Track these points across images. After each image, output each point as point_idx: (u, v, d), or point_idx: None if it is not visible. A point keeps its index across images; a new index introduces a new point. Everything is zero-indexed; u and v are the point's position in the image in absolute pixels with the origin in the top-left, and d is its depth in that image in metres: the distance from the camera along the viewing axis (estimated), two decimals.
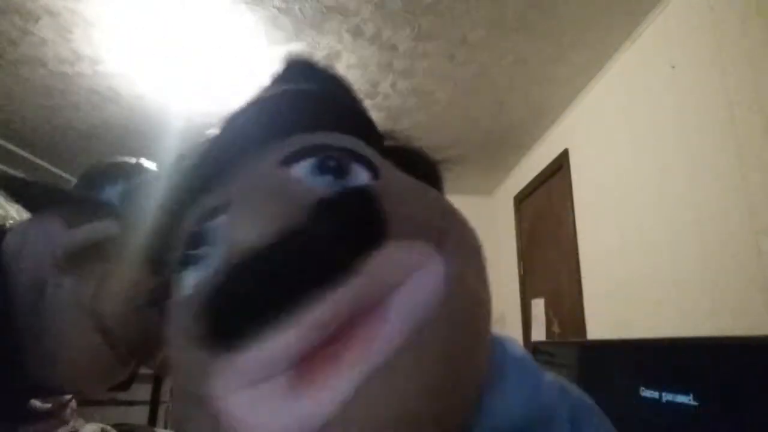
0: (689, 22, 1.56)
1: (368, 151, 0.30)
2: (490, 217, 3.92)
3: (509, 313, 3.36)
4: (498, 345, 0.31)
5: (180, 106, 2.50)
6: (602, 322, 2.12)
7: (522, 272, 3.16)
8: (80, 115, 2.61)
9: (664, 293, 1.66)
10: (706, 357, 1.09)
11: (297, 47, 1.98)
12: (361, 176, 0.27)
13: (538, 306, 2.85)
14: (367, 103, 2.32)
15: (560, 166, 2.59)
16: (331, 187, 0.26)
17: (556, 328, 2.60)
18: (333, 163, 0.27)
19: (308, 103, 0.31)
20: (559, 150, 2.60)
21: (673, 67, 1.63)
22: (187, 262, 0.26)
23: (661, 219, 1.70)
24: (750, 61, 1.30)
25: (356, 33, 1.88)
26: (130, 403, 4.13)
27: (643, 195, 1.81)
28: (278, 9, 1.74)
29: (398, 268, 0.24)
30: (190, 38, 1.92)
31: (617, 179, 2.02)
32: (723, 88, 1.40)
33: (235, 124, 0.29)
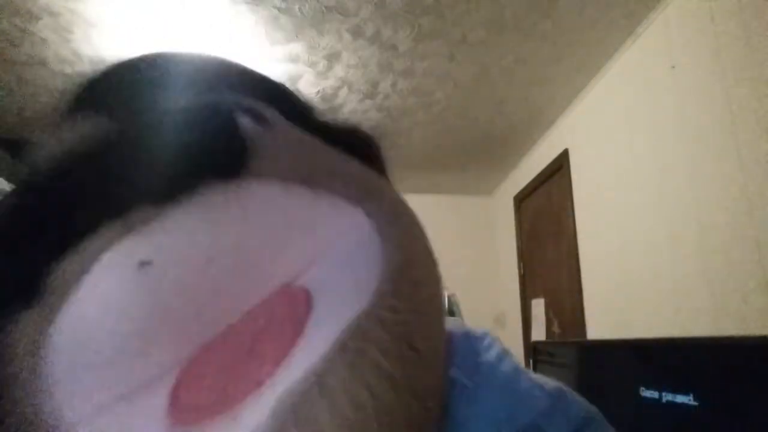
0: (689, 22, 1.56)
1: (269, 113, 0.25)
2: (490, 217, 3.92)
3: (509, 313, 3.36)
4: (467, 343, 0.26)
5: None
6: (602, 322, 2.12)
7: (522, 272, 3.16)
8: None
9: (664, 293, 1.66)
10: (706, 357, 1.09)
11: (297, 47, 1.98)
12: (248, 126, 0.23)
13: (538, 306, 2.85)
14: (367, 104, 2.32)
15: (560, 166, 2.59)
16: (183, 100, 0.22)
17: (556, 328, 2.60)
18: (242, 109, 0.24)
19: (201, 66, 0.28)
20: (559, 150, 2.60)
21: (673, 67, 1.63)
22: None
23: (661, 219, 1.70)
24: (750, 60, 1.30)
25: (356, 33, 1.88)
26: None
27: (643, 195, 1.81)
28: (278, 9, 1.74)
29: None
30: (190, 38, 1.92)
31: (617, 179, 2.02)
32: (723, 88, 1.40)
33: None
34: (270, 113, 0.25)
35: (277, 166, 0.21)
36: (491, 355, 0.26)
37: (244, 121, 0.22)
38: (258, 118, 0.24)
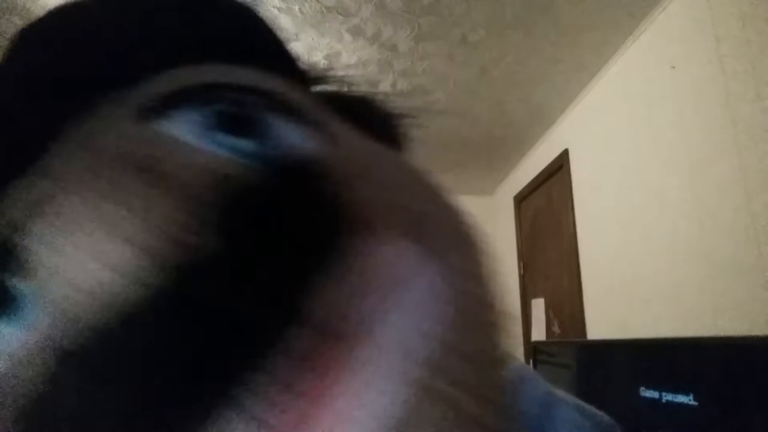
0: (689, 22, 1.56)
1: (298, 96, 0.18)
2: (490, 217, 3.92)
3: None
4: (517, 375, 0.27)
5: None
6: (602, 322, 2.12)
7: (522, 272, 3.17)
8: None
9: (665, 293, 1.66)
10: (706, 357, 1.09)
11: (297, 47, 1.98)
12: (291, 137, 0.15)
13: (538, 306, 2.85)
14: None
15: (560, 166, 2.59)
16: (246, 158, 0.14)
17: (556, 328, 2.60)
18: (238, 112, 0.15)
19: (188, 17, 0.17)
20: (559, 150, 2.60)
21: (673, 67, 1.63)
22: None
23: (661, 219, 1.70)
24: (750, 61, 1.30)
25: (356, 33, 1.88)
26: None
27: (643, 195, 1.81)
28: (278, 9, 1.74)
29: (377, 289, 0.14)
30: None
31: (617, 179, 2.02)
32: (723, 88, 1.40)
33: (56, 44, 0.16)
34: (301, 99, 0.18)
35: (379, 225, 0.15)
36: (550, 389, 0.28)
37: (293, 138, 0.16)
38: (305, 120, 0.16)
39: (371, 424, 0.12)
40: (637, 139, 1.86)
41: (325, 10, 1.75)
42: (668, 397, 1.13)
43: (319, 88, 0.24)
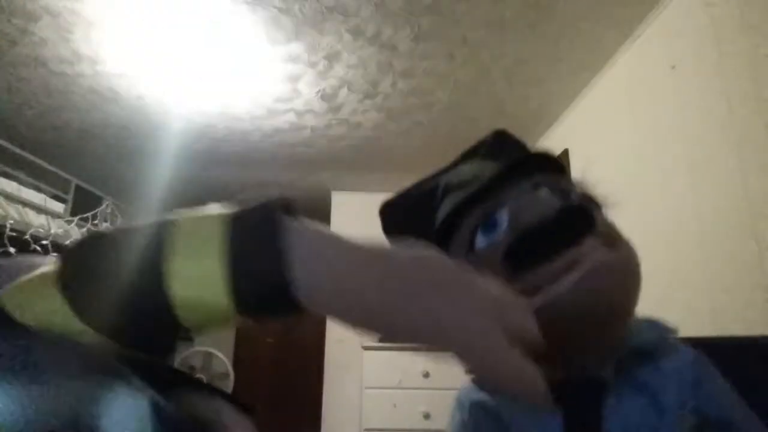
0: (689, 22, 1.56)
1: (575, 188, 0.55)
2: None
3: None
4: (647, 320, 0.56)
5: (180, 106, 2.50)
6: None
7: None
8: (80, 115, 2.60)
9: (664, 293, 1.66)
10: (706, 357, 1.09)
11: (297, 47, 1.97)
12: (576, 200, 0.52)
13: None
14: (367, 104, 2.32)
15: None
16: (561, 204, 0.49)
17: None
18: (560, 192, 0.51)
19: (547, 162, 0.56)
20: (559, 150, 2.60)
21: (673, 67, 1.63)
22: (483, 231, 0.50)
23: (661, 219, 1.70)
24: (750, 61, 1.30)
25: (356, 33, 1.88)
26: None
27: (644, 195, 1.81)
28: (278, 9, 1.74)
29: (593, 249, 0.46)
30: (191, 38, 1.92)
31: (617, 179, 2.02)
32: (723, 88, 1.40)
33: (507, 165, 0.53)
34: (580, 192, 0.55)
35: (597, 231, 0.48)
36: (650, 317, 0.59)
37: (591, 207, 0.52)
38: (595, 205, 0.54)
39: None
40: (637, 139, 1.86)
41: (325, 10, 1.75)
42: None
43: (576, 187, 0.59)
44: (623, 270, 0.49)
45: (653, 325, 0.55)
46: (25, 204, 2.26)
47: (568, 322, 0.44)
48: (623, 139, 1.97)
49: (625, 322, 0.51)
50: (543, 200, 0.49)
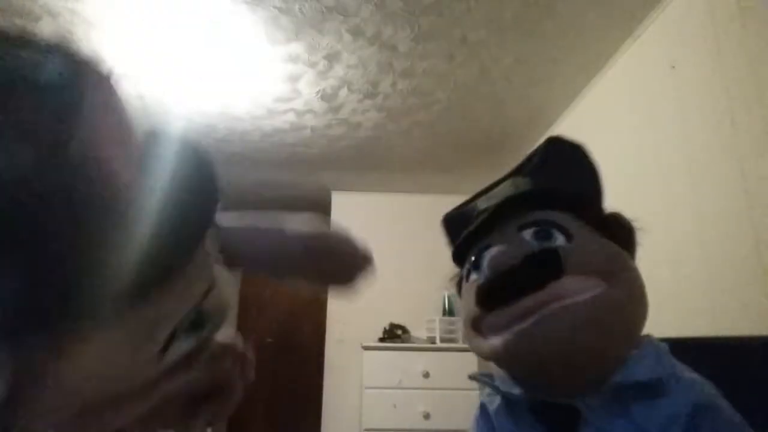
0: (689, 22, 1.56)
1: (571, 223, 0.55)
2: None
3: None
4: (649, 342, 0.55)
5: (180, 106, 2.50)
6: None
7: None
8: None
9: (664, 293, 1.66)
10: (706, 357, 1.09)
11: (297, 47, 1.98)
12: (559, 239, 0.54)
13: None
14: (367, 104, 2.31)
15: None
16: (538, 246, 0.53)
17: None
18: (542, 232, 0.54)
19: (545, 196, 0.58)
20: None
21: (673, 67, 1.63)
22: (473, 268, 0.58)
23: (661, 219, 1.70)
24: (750, 61, 1.30)
25: (356, 33, 1.88)
26: None
27: (643, 195, 1.81)
28: (278, 9, 1.74)
29: (570, 289, 0.50)
30: (191, 38, 1.92)
31: (617, 179, 2.02)
32: (723, 88, 1.40)
33: (495, 205, 0.57)
34: (570, 224, 0.55)
35: (575, 269, 0.51)
36: (652, 340, 0.59)
37: (560, 239, 0.54)
38: (568, 235, 0.54)
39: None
40: (637, 139, 1.86)
41: (325, 10, 1.75)
42: None
43: (601, 213, 0.63)
44: (594, 313, 0.49)
45: (658, 357, 0.53)
46: None
47: (534, 356, 0.50)
48: (623, 139, 1.97)
49: (601, 361, 0.50)
50: (519, 244, 0.54)
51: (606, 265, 0.53)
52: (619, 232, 0.60)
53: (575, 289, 0.49)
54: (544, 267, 0.50)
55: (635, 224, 0.64)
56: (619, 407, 0.48)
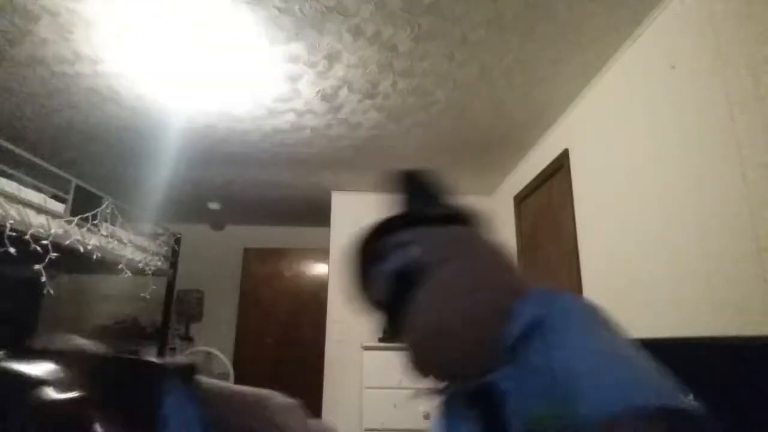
0: (689, 22, 1.56)
1: (421, 236, 0.63)
2: (490, 217, 3.92)
3: None
4: (533, 291, 0.57)
5: (180, 106, 2.50)
6: None
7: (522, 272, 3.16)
8: (80, 115, 2.61)
9: (664, 293, 1.66)
10: (706, 357, 1.09)
11: (297, 47, 1.97)
12: (414, 251, 0.61)
13: None
14: (367, 104, 2.32)
15: (560, 166, 2.59)
16: (399, 263, 0.61)
17: None
18: (398, 253, 0.62)
19: (401, 219, 0.66)
20: (559, 150, 2.60)
21: (673, 67, 1.63)
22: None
23: (661, 219, 1.70)
24: (750, 61, 1.30)
25: (356, 33, 1.88)
26: None
27: (643, 195, 1.81)
28: (278, 9, 1.74)
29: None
30: (191, 38, 1.92)
31: (617, 179, 2.02)
32: (723, 88, 1.40)
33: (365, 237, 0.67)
34: (420, 237, 0.63)
35: (434, 270, 0.58)
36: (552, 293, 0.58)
37: (415, 251, 0.61)
38: (419, 244, 0.62)
39: None
40: (637, 138, 1.86)
41: (325, 10, 1.75)
42: None
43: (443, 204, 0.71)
44: (429, 299, 0.57)
45: (540, 298, 0.55)
46: (25, 204, 2.25)
47: (416, 349, 0.58)
48: (623, 138, 1.97)
49: (477, 327, 0.55)
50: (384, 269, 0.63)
51: (445, 250, 0.60)
52: (460, 215, 0.67)
53: (440, 276, 0.58)
54: (410, 276, 0.60)
55: (461, 208, 0.70)
56: (525, 360, 0.50)
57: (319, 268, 5.04)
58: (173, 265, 3.85)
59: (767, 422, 0.87)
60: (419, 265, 0.59)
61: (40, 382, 0.51)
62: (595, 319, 0.55)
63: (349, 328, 3.68)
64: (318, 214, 4.36)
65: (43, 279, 2.26)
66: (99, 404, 0.52)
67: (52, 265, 2.28)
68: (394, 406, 3.17)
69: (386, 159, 3.25)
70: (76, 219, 2.56)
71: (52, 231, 2.36)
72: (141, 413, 0.55)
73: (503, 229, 3.65)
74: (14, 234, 2.10)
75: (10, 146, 2.24)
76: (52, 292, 2.38)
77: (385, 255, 0.63)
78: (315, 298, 4.86)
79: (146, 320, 4.54)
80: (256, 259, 5.09)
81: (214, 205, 4.35)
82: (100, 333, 4.51)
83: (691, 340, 1.36)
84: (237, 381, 4.24)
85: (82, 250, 2.59)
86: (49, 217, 2.40)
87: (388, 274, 0.61)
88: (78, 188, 2.63)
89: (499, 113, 2.55)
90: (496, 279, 0.58)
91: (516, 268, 0.63)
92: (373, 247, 0.65)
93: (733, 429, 0.95)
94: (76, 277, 4.31)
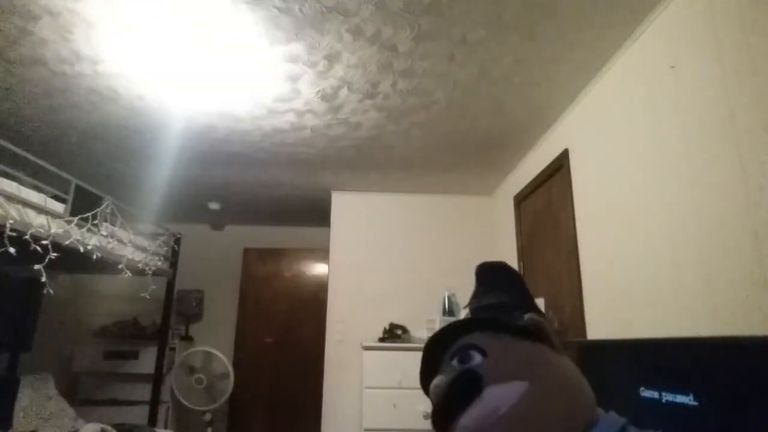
0: (689, 22, 1.56)
1: (487, 340, 0.65)
2: (490, 217, 3.92)
3: None
4: (606, 417, 0.61)
5: (180, 106, 2.50)
6: (602, 322, 2.12)
7: (522, 272, 3.16)
8: (80, 115, 2.61)
9: (664, 293, 1.66)
10: (706, 357, 1.09)
11: (297, 47, 1.98)
12: (476, 359, 0.63)
13: (539, 306, 2.85)
14: (367, 104, 2.32)
15: (560, 166, 2.59)
16: (460, 368, 0.63)
17: (556, 328, 2.60)
18: (464, 356, 0.64)
19: (471, 323, 0.69)
20: (559, 150, 2.60)
21: (673, 67, 1.63)
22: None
23: (661, 218, 1.70)
24: (750, 61, 1.30)
25: (356, 33, 1.88)
26: (131, 403, 4.13)
27: (644, 194, 1.81)
28: (278, 9, 1.74)
29: (499, 396, 0.58)
30: (191, 38, 1.92)
31: (617, 179, 2.02)
32: (723, 88, 1.40)
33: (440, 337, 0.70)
34: (486, 342, 0.65)
35: (495, 379, 0.59)
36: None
37: (477, 359, 0.63)
38: (483, 353, 0.63)
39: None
40: (637, 139, 1.86)
41: (325, 10, 1.75)
42: (668, 397, 1.13)
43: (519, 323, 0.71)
44: (527, 410, 0.57)
45: (606, 428, 0.58)
46: (25, 204, 2.25)
47: None
48: (623, 138, 1.97)
49: None
50: (451, 371, 0.65)
51: (522, 366, 0.61)
52: (535, 332, 0.67)
53: (504, 395, 0.57)
54: (468, 385, 0.60)
55: (549, 321, 0.71)
56: None
57: (319, 269, 5.04)
58: (173, 265, 3.85)
59: (767, 422, 0.87)
60: (478, 373, 0.61)
61: None
62: None
63: (349, 328, 3.68)
64: (318, 214, 4.36)
65: (43, 279, 2.26)
66: None
67: (52, 265, 2.28)
68: (394, 406, 3.17)
69: (386, 159, 3.25)
70: (76, 219, 2.56)
71: (52, 231, 2.36)
72: None
73: (503, 228, 3.65)
74: (14, 234, 2.10)
75: (10, 146, 2.24)
76: (52, 292, 2.38)
77: (452, 353, 0.66)
78: (315, 298, 4.86)
79: (146, 320, 4.54)
80: (256, 259, 5.09)
81: (214, 205, 4.36)
82: (99, 333, 4.51)
83: (691, 340, 1.36)
84: (237, 381, 4.24)
85: (82, 250, 2.58)
86: (49, 217, 2.40)
87: (452, 371, 0.64)
88: (78, 188, 2.63)
89: (499, 113, 2.55)
90: (568, 406, 0.60)
91: (588, 389, 0.64)
92: (445, 341, 0.68)
93: (733, 429, 0.95)
94: (76, 277, 4.32)
